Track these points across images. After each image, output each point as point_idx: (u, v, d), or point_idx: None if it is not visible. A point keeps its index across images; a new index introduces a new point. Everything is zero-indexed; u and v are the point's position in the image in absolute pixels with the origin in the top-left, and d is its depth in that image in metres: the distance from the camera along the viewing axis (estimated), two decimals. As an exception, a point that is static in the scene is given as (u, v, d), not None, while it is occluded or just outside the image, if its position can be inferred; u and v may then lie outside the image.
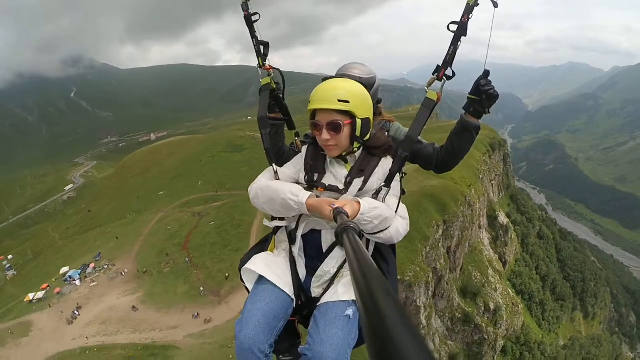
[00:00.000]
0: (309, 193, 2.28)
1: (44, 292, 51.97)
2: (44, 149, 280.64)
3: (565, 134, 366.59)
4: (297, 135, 2.93)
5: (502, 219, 77.67)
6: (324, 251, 2.42)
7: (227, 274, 48.14)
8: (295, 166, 2.60)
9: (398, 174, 2.49)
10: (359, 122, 2.34)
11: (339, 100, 2.28)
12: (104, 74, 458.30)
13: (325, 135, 2.34)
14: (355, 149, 2.46)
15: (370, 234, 2.30)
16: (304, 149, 2.63)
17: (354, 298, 1.75)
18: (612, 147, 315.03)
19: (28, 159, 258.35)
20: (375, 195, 2.39)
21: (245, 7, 2.73)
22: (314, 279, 2.41)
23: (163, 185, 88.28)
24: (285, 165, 2.64)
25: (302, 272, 2.45)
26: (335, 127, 2.32)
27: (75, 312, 44.92)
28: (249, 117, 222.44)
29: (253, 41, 2.80)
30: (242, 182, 73.96)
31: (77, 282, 52.43)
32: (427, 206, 47.79)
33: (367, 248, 2.44)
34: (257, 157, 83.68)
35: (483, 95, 2.49)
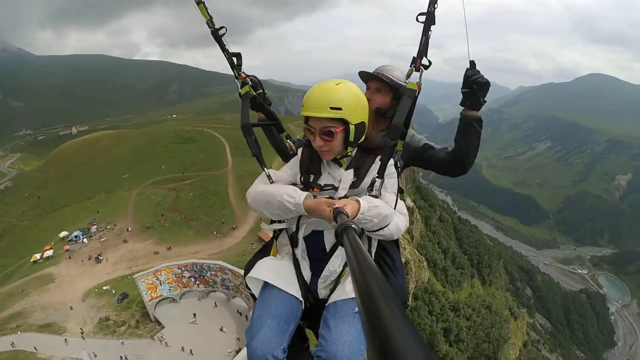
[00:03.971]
0: (305, 193, 2.39)
1: (51, 251, 66.14)
2: None
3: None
4: (287, 137, 3.03)
5: (409, 202, 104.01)
6: (327, 251, 2.53)
7: (223, 220, 67.92)
8: (292, 168, 2.72)
9: (395, 170, 2.61)
10: (352, 127, 2.42)
11: (331, 108, 2.36)
12: (17, 59, 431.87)
13: (319, 141, 2.45)
14: (350, 153, 2.58)
15: (371, 232, 2.40)
16: (300, 151, 2.76)
17: None
18: (512, 156, 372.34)
19: None
20: (371, 188, 2.48)
21: (210, 24, 2.84)
22: (320, 280, 2.51)
23: (123, 169, 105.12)
24: (282, 168, 2.79)
25: (307, 274, 2.56)
26: (327, 134, 2.41)
27: (99, 256, 60.70)
28: (174, 115, 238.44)
29: (225, 54, 2.91)
30: (205, 165, 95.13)
31: (85, 240, 67.81)
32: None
33: (370, 246, 2.59)
34: (211, 147, 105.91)
35: (474, 85, 2.69)
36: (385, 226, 2.36)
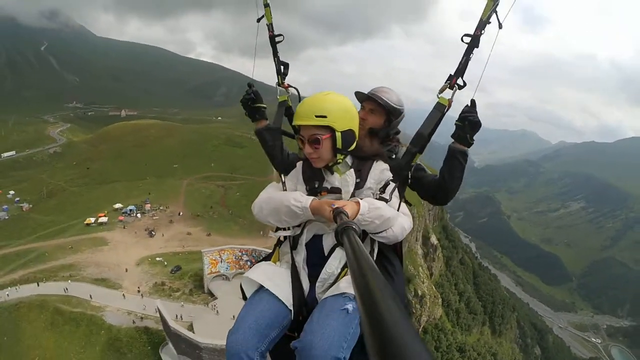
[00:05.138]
0: (312, 197, 2.51)
1: (105, 218, 74.73)
2: (7, 98, 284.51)
3: (504, 193, 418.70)
4: None
5: (433, 240, 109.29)
6: (326, 255, 2.57)
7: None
8: (292, 179, 2.86)
9: (400, 176, 2.78)
10: (338, 135, 2.53)
11: (316, 116, 2.49)
12: (78, 36, 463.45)
13: (308, 149, 2.56)
14: (340, 160, 2.65)
15: (374, 234, 2.51)
16: (299, 164, 2.88)
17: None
18: (544, 212, 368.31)
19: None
20: (383, 189, 2.63)
21: (271, 27, 3.11)
22: (318, 283, 2.54)
23: (173, 159, 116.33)
24: (284, 179, 2.93)
25: (305, 284, 2.57)
26: (315, 141, 2.52)
27: (152, 231, 68.90)
28: (219, 117, 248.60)
29: (275, 60, 3.16)
30: (252, 170, 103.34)
31: (139, 215, 76.55)
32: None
33: (372, 249, 2.65)
34: (259, 155, 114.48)
35: (465, 121, 2.77)
36: (389, 228, 2.51)
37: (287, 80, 3.27)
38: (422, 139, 2.83)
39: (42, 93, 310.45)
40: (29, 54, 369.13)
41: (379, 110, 3.36)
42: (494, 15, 2.64)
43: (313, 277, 2.57)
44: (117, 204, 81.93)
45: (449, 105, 2.84)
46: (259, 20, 3.09)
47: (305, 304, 2.50)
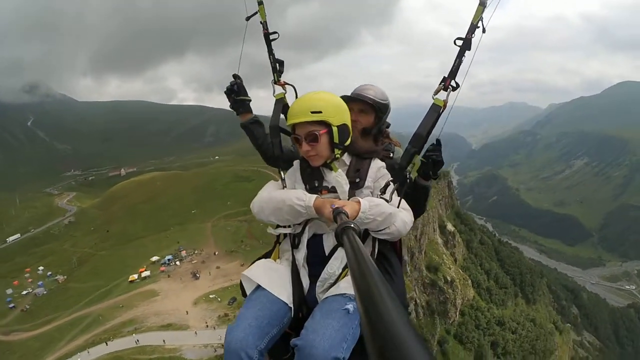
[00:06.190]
0: (315, 196, 2.51)
1: (147, 272, 79.66)
2: (2, 177, 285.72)
3: (507, 168, 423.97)
4: None
5: (450, 227, 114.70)
6: (327, 254, 2.59)
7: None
8: (291, 178, 2.89)
9: (399, 175, 2.86)
10: (335, 129, 2.60)
11: (312, 112, 2.55)
12: (61, 105, 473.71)
13: (305, 147, 2.60)
14: (338, 156, 2.72)
15: (377, 231, 2.52)
16: (296, 163, 2.93)
17: None
18: (550, 176, 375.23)
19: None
20: (384, 190, 2.67)
21: (265, 25, 3.13)
22: (318, 283, 2.55)
23: (189, 206, 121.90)
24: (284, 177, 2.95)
25: (305, 283, 2.59)
26: (313, 138, 2.58)
27: (196, 274, 74.01)
28: (217, 157, 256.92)
29: (270, 58, 3.19)
30: None
31: (177, 263, 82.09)
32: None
33: (373, 250, 2.70)
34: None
35: (429, 159, 2.89)
36: (391, 224, 2.51)
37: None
38: (420, 139, 2.95)
39: (36, 167, 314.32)
40: (17, 131, 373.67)
41: (368, 109, 3.47)
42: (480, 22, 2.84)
43: (312, 275, 2.62)
44: (154, 257, 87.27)
45: (444, 106, 2.99)
46: (247, 18, 3.21)
47: (304, 302, 2.55)
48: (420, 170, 2.94)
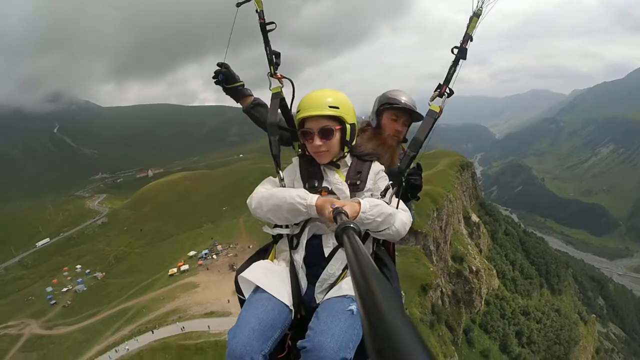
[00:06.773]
0: (317, 195, 2.50)
1: (186, 266, 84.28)
2: (33, 184, 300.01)
3: (531, 157, 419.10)
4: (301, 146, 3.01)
5: (474, 218, 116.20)
6: (326, 256, 2.57)
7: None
8: (289, 175, 2.85)
9: (397, 178, 2.90)
10: (348, 127, 2.63)
11: (330, 107, 2.55)
12: (85, 112, 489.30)
13: (317, 141, 2.59)
14: (345, 154, 2.76)
15: (376, 232, 2.53)
16: (295, 160, 2.92)
17: None
18: (575, 165, 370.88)
19: (18, 192, 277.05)
20: (384, 193, 2.71)
21: (261, 14, 3.00)
22: (317, 283, 2.56)
23: (220, 204, 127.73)
24: (279, 176, 2.89)
25: (303, 284, 2.57)
26: (326, 133, 2.58)
27: (234, 266, 76.43)
28: (241, 155, 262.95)
29: (266, 50, 3.05)
30: None
31: (214, 256, 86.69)
32: (425, 199, 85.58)
33: (372, 251, 2.74)
34: None
35: (408, 182, 2.98)
36: (391, 225, 2.52)
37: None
38: (418, 144, 3.04)
39: (65, 172, 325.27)
40: (44, 139, 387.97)
41: (408, 120, 3.51)
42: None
43: (310, 276, 2.61)
44: (191, 252, 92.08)
45: (440, 112, 3.08)
46: (238, 5, 3.05)
47: (302, 303, 2.55)
48: (398, 193, 2.91)
